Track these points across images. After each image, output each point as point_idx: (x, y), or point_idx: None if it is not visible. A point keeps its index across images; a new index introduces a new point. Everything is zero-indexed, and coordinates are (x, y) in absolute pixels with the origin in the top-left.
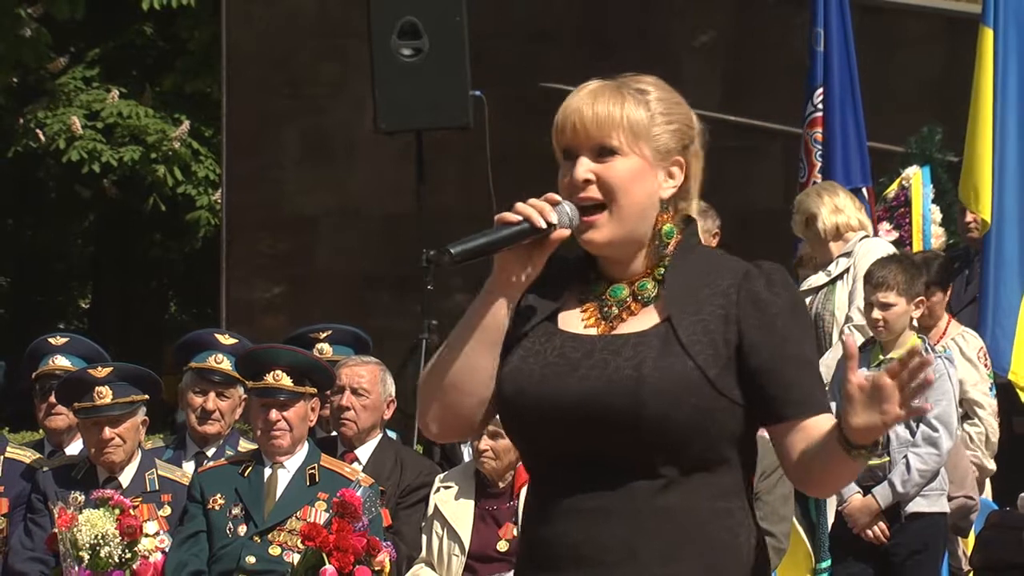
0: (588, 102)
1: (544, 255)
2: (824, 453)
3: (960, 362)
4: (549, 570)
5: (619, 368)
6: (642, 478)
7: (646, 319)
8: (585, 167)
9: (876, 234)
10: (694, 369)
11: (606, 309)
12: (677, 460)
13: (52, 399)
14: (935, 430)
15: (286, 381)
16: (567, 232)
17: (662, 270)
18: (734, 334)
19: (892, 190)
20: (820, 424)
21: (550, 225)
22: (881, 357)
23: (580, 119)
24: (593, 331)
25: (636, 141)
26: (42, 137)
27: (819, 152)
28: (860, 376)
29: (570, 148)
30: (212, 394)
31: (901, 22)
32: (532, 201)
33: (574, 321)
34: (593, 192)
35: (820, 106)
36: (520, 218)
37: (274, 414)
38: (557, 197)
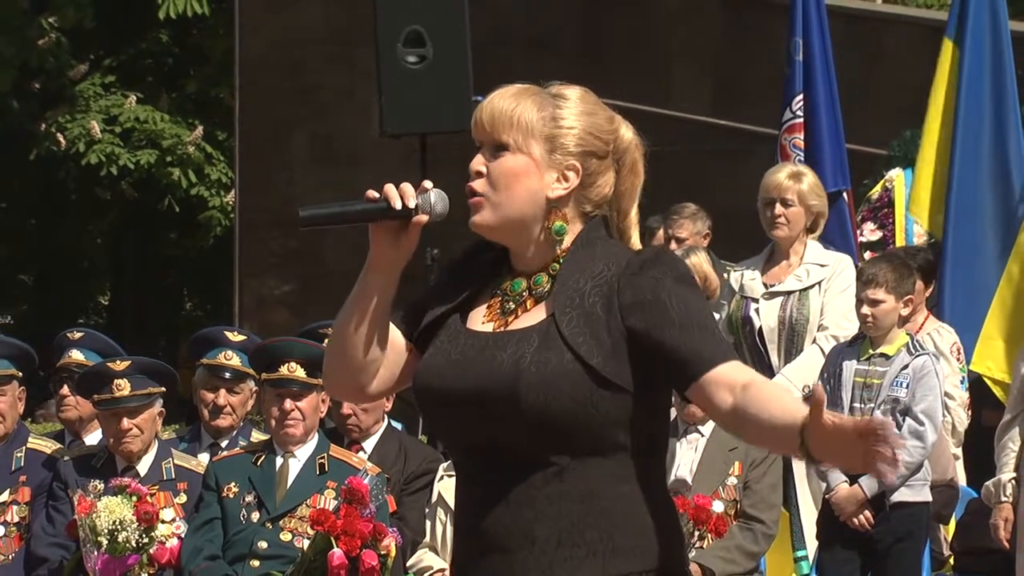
0: (491, 100)
1: (411, 238)
2: (776, 440)
3: None
4: (467, 556)
5: (501, 363)
6: (536, 466)
7: (536, 315)
8: (478, 161)
9: (861, 234)
10: (572, 361)
11: (505, 304)
12: (566, 448)
13: (63, 391)
14: (921, 424)
15: (300, 373)
16: (425, 219)
17: (557, 265)
18: (618, 321)
19: (876, 191)
20: (732, 374)
21: (407, 209)
22: (871, 351)
23: (480, 116)
24: (491, 326)
25: (526, 140)
26: (63, 141)
27: (798, 157)
28: (828, 419)
29: (478, 142)
30: (223, 390)
31: (885, 31)
32: (403, 185)
33: (478, 318)
34: (479, 184)
35: (799, 113)
36: (379, 196)
37: (288, 403)
38: (429, 185)
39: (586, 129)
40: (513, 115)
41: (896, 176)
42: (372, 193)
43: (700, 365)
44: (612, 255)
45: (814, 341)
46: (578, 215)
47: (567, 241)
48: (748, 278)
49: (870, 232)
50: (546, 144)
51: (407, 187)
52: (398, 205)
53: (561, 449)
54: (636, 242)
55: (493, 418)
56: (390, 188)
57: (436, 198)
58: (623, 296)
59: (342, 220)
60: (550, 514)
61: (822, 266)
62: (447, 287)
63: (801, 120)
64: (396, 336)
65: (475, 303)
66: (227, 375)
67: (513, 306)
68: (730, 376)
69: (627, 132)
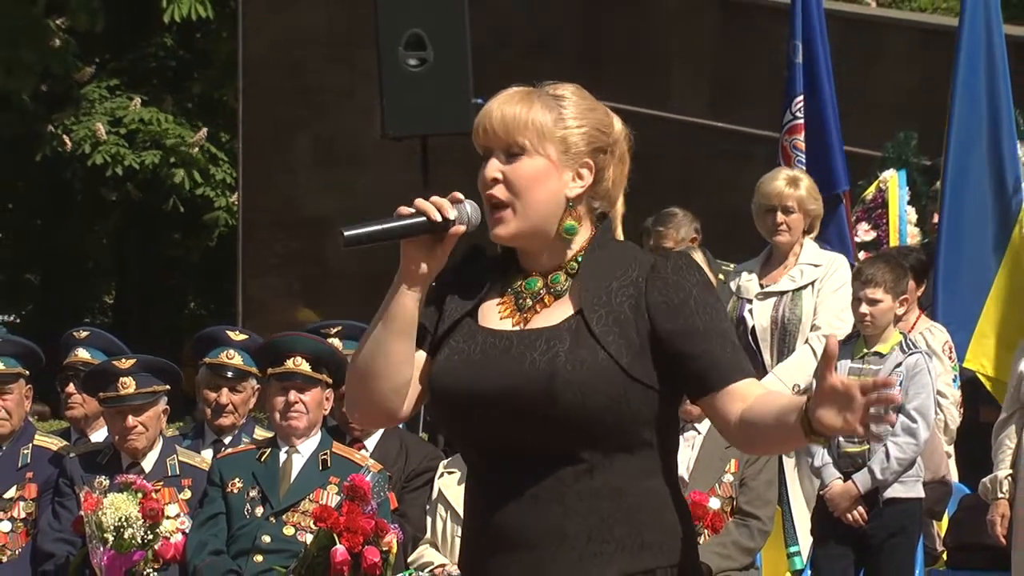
0: (499, 106)
1: (445, 250)
2: (779, 426)
3: None
4: (489, 554)
5: (534, 362)
6: (565, 463)
7: (559, 312)
8: (494, 167)
9: (855, 234)
10: (606, 359)
11: (521, 301)
12: (597, 445)
13: (69, 389)
14: (914, 421)
15: (305, 367)
16: (463, 229)
17: (575, 264)
18: (645, 322)
19: (870, 192)
20: (748, 389)
21: (447, 221)
22: (864, 350)
23: (491, 121)
24: (509, 323)
25: (542, 142)
26: (69, 142)
27: (799, 159)
28: (838, 377)
29: (485, 148)
30: (225, 389)
31: (881, 34)
32: (434, 198)
33: (493, 316)
34: (499, 191)
35: (800, 114)
36: (414, 211)
37: (292, 395)
38: (460, 196)
39: (593, 126)
40: (528, 118)
41: (890, 177)
42: (405, 209)
43: (718, 378)
44: (634, 256)
45: (806, 341)
46: (588, 211)
47: (578, 239)
48: (744, 279)
49: (864, 232)
50: (560, 145)
51: (440, 200)
52: (438, 218)
53: (592, 446)
54: (620, 235)
55: (524, 416)
56: (423, 203)
57: (471, 209)
58: (650, 297)
59: (385, 237)
60: (580, 511)
61: (816, 266)
62: (453, 290)
63: (801, 121)
64: (416, 353)
65: (483, 303)
66: (229, 374)
67: (531, 303)
68: (745, 391)
69: (618, 123)
